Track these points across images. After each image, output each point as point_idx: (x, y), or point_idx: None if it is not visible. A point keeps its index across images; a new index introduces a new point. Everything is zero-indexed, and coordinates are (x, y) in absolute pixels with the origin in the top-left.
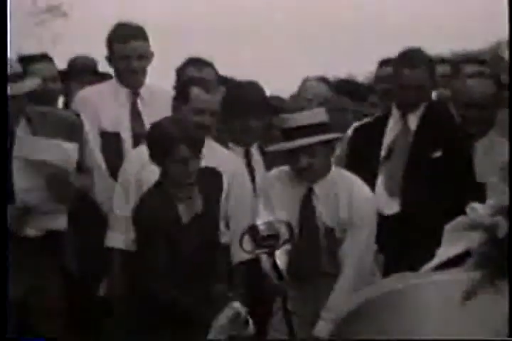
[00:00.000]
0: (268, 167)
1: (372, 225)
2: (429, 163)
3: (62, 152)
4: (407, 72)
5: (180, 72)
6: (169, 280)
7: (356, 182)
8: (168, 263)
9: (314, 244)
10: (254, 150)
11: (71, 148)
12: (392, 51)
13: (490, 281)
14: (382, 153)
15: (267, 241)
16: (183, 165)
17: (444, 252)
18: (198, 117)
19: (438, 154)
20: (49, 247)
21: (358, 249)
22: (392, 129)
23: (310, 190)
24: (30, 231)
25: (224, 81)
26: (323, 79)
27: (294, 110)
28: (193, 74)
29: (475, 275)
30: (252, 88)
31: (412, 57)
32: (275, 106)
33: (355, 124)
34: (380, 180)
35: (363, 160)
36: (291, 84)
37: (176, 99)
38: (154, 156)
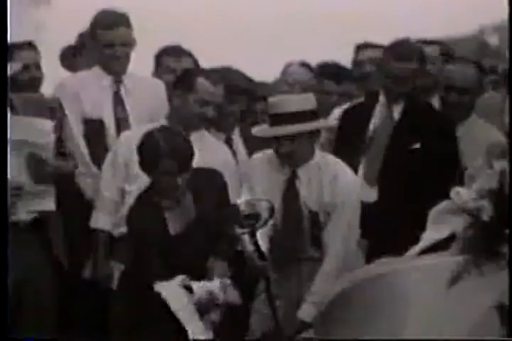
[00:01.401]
0: (250, 151)
1: (356, 209)
2: (408, 153)
3: (39, 130)
4: (397, 65)
5: (158, 60)
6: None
7: (340, 166)
8: (162, 271)
9: (297, 228)
10: (236, 136)
11: (47, 125)
12: (376, 37)
13: (475, 265)
14: (366, 139)
15: (247, 220)
16: (171, 177)
17: (429, 236)
18: (202, 109)
19: (417, 145)
20: (37, 233)
21: (342, 233)
22: (377, 116)
23: (293, 174)
24: (22, 215)
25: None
26: (305, 64)
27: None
28: (169, 63)
29: (460, 260)
30: (231, 73)
31: (402, 49)
32: (256, 91)
33: (344, 106)
34: (360, 169)
35: (350, 145)
36: (275, 69)
37: (177, 88)
38: (143, 166)
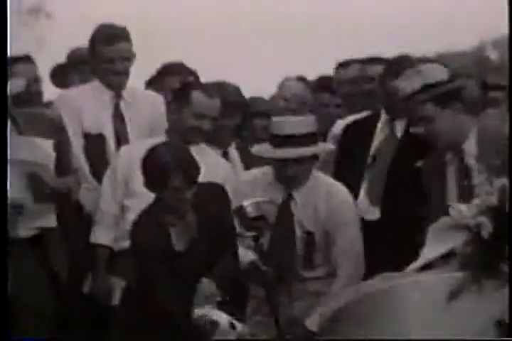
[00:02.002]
0: (247, 167)
1: (356, 224)
2: (412, 172)
3: (38, 149)
4: (393, 83)
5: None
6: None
7: (334, 186)
8: (169, 288)
9: (289, 248)
10: (232, 151)
11: (47, 144)
12: (376, 51)
13: (474, 281)
14: (369, 158)
15: (254, 223)
16: (178, 193)
17: (429, 252)
18: (197, 122)
19: (419, 164)
20: (37, 248)
21: (348, 249)
22: (379, 134)
23: (289, 196)
24: (22, 232)
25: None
26: (301, 79)
27: (275, 112)
28: (170, 81)
29: (459, 276)
30: (228, 88)
31: (400, 67)
32: (252, 105)
33: (346, 121)
34: (363, 187)
35: (352, 163)
36: (272, 85)
37: (174, 101)
38: (149, 183)
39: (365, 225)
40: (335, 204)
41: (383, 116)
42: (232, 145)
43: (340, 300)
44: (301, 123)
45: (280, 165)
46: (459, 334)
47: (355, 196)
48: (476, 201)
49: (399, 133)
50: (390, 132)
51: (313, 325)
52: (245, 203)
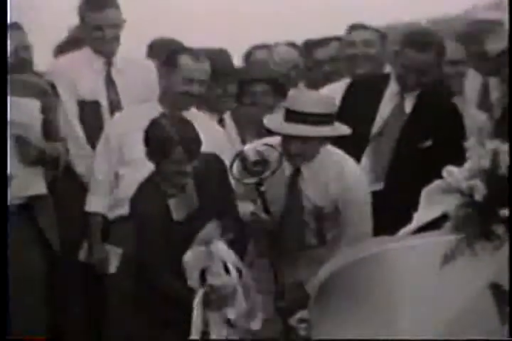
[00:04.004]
0: (242, 132)
1: (369, 204)
2: (418, 152)
3: (24, 109)
4: (412, 54)
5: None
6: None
7: (346, 163)
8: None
9: (299, 221)
10: (228, 118)
11: (32, 105)
12: (365, 19)
13: (468, 245)
14: (374, 128)
15: (255, 167)
16: (180, 166)
17: (422, 216)
18: (186, 86)
19: (428, 144)
20: (28, 218)
21: (362, 226)
22: (386, 103)
23: (297, 171)
24: (13, 201)
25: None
26: (292, 44)
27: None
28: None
29: (452, 239)
30: (217, 53)
31: (420, 39)
32: (244, 72)
33: (350, 80)
34: (364, 161)
35: (355, 126)
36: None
37: (162, 67)
38: (151, 155)
39: None
40: (347, 184)
41: (394, 86)
42: (227, 112)
43: (333, 264)
44: (320, 102)
45: (286, 141)
46: (453, 298)
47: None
48: (468, 164)
49: (408, 109)
50: (398, 105)
51: (312, 289)
52: (246, 147)
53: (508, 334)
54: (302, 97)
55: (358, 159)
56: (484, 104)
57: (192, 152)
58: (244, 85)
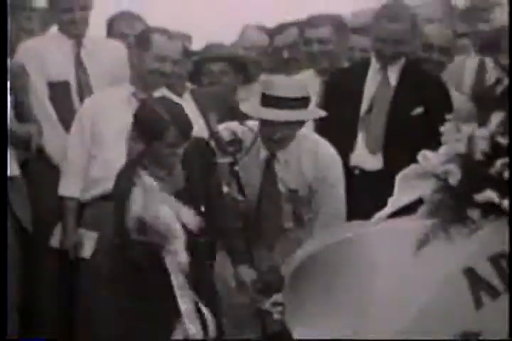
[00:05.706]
0: (203, 113)
1: (343, 186)
2: (411, 119)
3: None
4: (386, 25)
5: (110, 25)
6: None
7: (321, 145)
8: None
9: (275, 205)
10: (188, 98)
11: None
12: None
13: (443, 229)
14: (363, 107)
15: (229, 146)
16: (172, 148)
17: (397, 200)
18: (158, 64)
19: (419, 111)
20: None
21: (337, 209)
22: (371, 82)
23: (272, 156)
24: None
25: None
26: (261, 27)
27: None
28: (122, 28)
29: (428, 223)
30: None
31: (393, 11)
32: (209, 51)
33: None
34: (360, 136)
35: (341, 111)
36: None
37: (134, 45)
38: (142, 137)
39: (367, 175)
40: (322, 165)
41: (374, 63)
42: (186, 92)
43: (308, 248)
44: (295, 86)
45: (266, 126)
46: (427, 283)
47: (351, 147)
48: (444, 148)
49: (393, 81)
50: (383, 79)
51: (287, 273)
52: (220, 127)
53: (508, 334)
54: (277, 82)
55: (352, 141)
56: (462, 86)
57: (185, 134)
58: (200, 65)
